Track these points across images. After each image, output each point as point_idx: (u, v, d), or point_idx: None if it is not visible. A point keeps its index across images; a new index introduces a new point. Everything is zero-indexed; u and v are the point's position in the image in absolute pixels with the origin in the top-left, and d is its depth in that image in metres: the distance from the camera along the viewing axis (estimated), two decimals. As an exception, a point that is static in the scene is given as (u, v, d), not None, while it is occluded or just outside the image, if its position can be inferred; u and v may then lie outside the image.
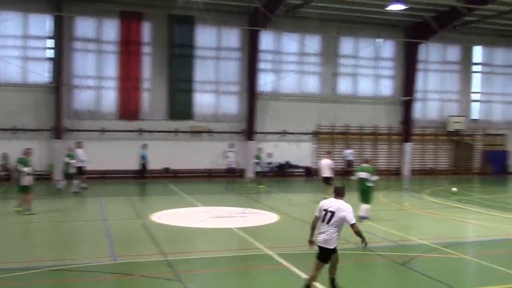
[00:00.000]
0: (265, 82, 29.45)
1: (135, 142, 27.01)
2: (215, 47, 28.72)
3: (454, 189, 20.43)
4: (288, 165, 29.73)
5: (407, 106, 31.76)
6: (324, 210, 8.13)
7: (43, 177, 25.17)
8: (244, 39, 28.80)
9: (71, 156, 20.96)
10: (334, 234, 8.07)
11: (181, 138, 27.98)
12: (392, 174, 31.23)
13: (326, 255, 8.12)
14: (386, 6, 25.46)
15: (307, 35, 30.13)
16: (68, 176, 20.84)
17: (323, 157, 20.90)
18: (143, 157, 26.62)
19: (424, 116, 32.89)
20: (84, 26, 26.74)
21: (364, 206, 14.88)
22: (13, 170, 24.82)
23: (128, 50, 27.31)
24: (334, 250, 8.16)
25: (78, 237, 13.12)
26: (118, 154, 26.70)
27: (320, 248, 8.11)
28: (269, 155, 28.85)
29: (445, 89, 33.27)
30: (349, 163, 28.92)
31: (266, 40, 29.21)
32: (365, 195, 14.90)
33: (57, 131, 25.95)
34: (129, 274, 9.64)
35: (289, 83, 30.04)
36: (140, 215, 15.95)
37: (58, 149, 25.45)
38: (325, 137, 30.61)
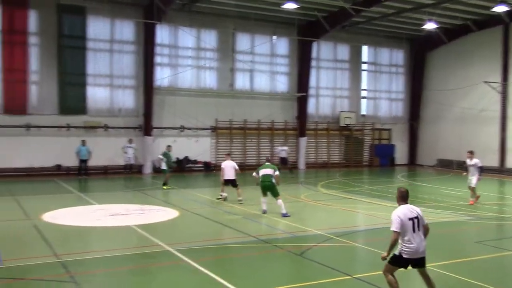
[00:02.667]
0: (162, 76, 28.99)
1: (22, 138, 25.37)
2: (109, 40, 27.72)
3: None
4: (186, 160, 29.54)
5: (302, 102, 32.85)
6: (410, 219, 7.52)
7: None
8: (140, 32, 28.08)
9: None
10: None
11: (74, 133, 26.69)
12: (288, 168, 32.13)
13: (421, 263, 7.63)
14: (281, 4, 26.13)
15: (203, 30, 30.06)
16: None
17: (224, 159, 19.51)
18: (80, 153, 25.36)
19: (318, 112, 34.24)
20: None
21: (279, 202, 15.23)
22: None
23: (12, 39, 25.52)
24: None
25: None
26: (5, 151, 24.95)
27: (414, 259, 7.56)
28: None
29: (336, 86, 34.87)
30: (283, 161, 28.94)
31: (162, 34, 28.73)
32: (274, 190, 15.37)
33: None
34: (19, 278, 9.03)
35: (187, 78, 29.82)
36: (29, 215, 15.01)
37: None
38: (223, 132, 30.80)
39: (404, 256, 7.49)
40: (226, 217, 15.24)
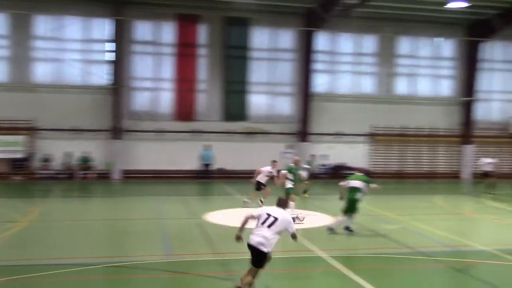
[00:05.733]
0: (320, 83, 29.22)
1: (191, 143, 27.42)
2: (269, 49, 28.77)
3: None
4: (343, 167, 29.33)
5: (468, 107, 30.64)
6: (267, 214, 8.25)
7: (103, 176, 26.11)
8: (299, 40, 28.68)
9: None
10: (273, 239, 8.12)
11: (235, 139, 28.19)
12: (450, 177, 30.22)
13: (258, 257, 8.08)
14: (446, 3, 24.69)
15: (363, 35, 29.66)
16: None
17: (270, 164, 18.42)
18: (206, 158, 26.91)
19: (486, 118, 31.63)
20: (142, 29, 27.48)
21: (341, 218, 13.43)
22: (75, 169, 26.00)
23: (184, 52, 27.80)
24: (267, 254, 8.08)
25: (134, 235, 13.42)
26: (174, 155, 27.23)
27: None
28: (325, 156, 28.63)
29: (508, 90, 31.86)
30: (486, 174, 24.44)
31: (321, 40, 28.97)
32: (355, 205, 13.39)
33: (116, 132, 26.75)
34: (182, 272, 9.77)
35: (344, 84, 29.67)
36: (194, 215, 16.16)
37: (117, 148, 26.40)
38: (380, 139, 30.02)
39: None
40: (382, 226, 14.80)
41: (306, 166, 22.72)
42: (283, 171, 16.23)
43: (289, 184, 15.77)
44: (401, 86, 30.51)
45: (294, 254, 11.46)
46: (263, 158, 28.08)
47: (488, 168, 23.85)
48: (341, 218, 13.40)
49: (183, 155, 27.28)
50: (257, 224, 8.22)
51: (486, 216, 16.95)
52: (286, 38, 28.94)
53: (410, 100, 30.39)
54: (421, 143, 30.60)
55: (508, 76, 31.95)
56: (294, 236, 8.28)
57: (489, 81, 31.60)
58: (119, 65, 26.75)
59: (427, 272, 10.28)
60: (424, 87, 30.73)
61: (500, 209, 18.73)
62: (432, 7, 26.83)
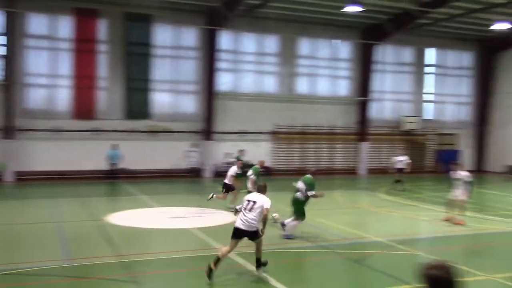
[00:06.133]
0: (224, 81, 29.42)
1: (92, 142, 26.45)
2: (172, 46, 28.45)
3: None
4: (247, 164, 29.69)
5: (363, 106, 32.35)
6: (248, 200, 9.75)
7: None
8: (202, 38, 28.66)
9: None
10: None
11: (139, 138, 27.59)
12: (348, 173, 31.75)
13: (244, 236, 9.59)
14: (343, 7, 25.89)
15: (265, 35, 30.28)
16: None
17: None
18: (113, 157, 26.04)
19: (379, 116, 33.60)
20: (37, 22, 25.98)
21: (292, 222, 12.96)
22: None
23: (83, 48, 26.68)
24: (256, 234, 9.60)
25: (29, 240, 12.74)
26: (73, 154, 26.12)
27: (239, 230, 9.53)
28: (228, 154, 28.88)
29: (399, 90, 34.09)
30: (399, 170, 24.43)
31: (225, 39, 29.15)
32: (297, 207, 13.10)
33: (8, 131, 25.14)
34: (84, 277, 9.44)
35: (248, 83, 30.11)
36: (95, 217, 15.64)
37: (10, 148, 24.80)
38: (283, 137, 30.83)
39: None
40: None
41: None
42: (252, 177, 16.25)
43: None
44: (302, 86, 31.52)
45: (199, 252, 11.48)
46: (166, 157, 27.91)
47: (400, 166, 24.40)
48: (290, 221, 12.73)
49: (84, 155, 26.23)
50: (242, 211, 9.66)
51: (380, 209, 18.01)
52: (190, 36, 28.79)
53: (310, 99, 31.50)
54: (321, 141, 31.84)
55: (399, 78, 34.16)
56: (266, 215, 9.64)
57: (382, 82, 33.59)
58: (12, 60, 25.11)
59: (328, 264, 10.75)
60: (323, 87, 31.98)
61: (393, 202, 19.98)
62: (330, 10, 27.98)
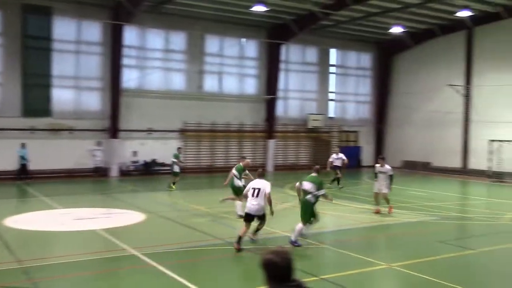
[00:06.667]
0: (130, 78, 28.67)
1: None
2: (75, 41, 27.23)
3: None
4: (154, 163, 29.27)
5: (270, 104, 32.97)
6: (253, 188, 11.45)
7: None
8: (107, 34, 27.68)
9: None
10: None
11: (40, 136, 26.09)
12: (257, 170, 32.18)
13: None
14: (250, 7, 26.20)
15: (172, 32, 29.88)
16: None
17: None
18: (22, 157, 24.47)
19: (286, 114, 34.43)
20: None
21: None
22: None
23: (-25, 40, 24.86)
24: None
25: None
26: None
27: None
28: (135, 153, 28.27)
29: (305, 89, 35.15)
30: (335, 168, 24.30)
31: (130, 35, 28.40)
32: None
33: None
34: (-22, 285, 8.81)
35: (155, 80, 29.57)
36: (-9, 221, 14.62)
37: None
38: (191, 135, 30.65)
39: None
40: (193, 220, 15.16)
41: (173, 159, 22.75)
42: (235, 172, 15.41)
43: (239, 183, 15.18)
44: (210, 84, 31.50)
45: (105, 254, 11.13)
46: (70, 157, 26.68)
47: (337, 163, 24.42)
48: (299, 226, 11.76)
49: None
50: (250, 197, 11.37)
51: (288, 205, 18.45)
52: (93, 30, 27.69)
53: (219, 97, 31.57)
54: (230, 138, 32.04)
55: (305, 76, 35.21)
56: (269, 199, 11.28)
57: (289, 81, 34.45)
58: None
59: (237, 260, 10.84)
60: (231, 85, 32.18)
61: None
62: (237, 9, 28.21)
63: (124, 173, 28.00)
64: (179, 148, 24.28)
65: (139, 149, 28.69)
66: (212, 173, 29.77)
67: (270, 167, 32.94)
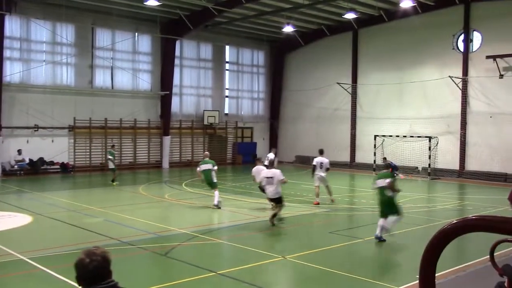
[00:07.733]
0: (12, 72, 26.81)
1: None
2: None
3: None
4: (41, 161, 27.66)
5: (165, 101, 32.49)
6: (266, 177, 14.17)
7: None
8: (-14, 23, 25.65)
9: None
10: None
11: None
12: (152, 167, 31.69)
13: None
14: (144, 0, 25.58)
15: (60, 24, 28.36)
16: None
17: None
18: None
19: (182, 111, 34.16)
20: None
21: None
22: None
23: None
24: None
25: None
26: None
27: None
28: (19, 151, 26.54)
29: (200, 85, 35.11)
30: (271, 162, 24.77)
31: (12, 26, 26.56)
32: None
33: None
34: None
35: (41, 74, 27.90)
36: None
37: None
38: (83, 131, 29.35)
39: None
40: (85, 220, 14.57)
41: (109, 157, 23.01)
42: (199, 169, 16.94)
43: (214, 178, 16.82)
44: (102, 79, 30.36)
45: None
46: None
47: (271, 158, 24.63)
48: (381, 222, 12.00)
49: None
50: (267, 185, 14.09)
51: (184, 202, 18.36)
52: (-30, 19, 25.54)
53: (111, 92, 30.55)
54: (124, 135, 31.14)
55: (200, 73, 35.14)
56: (284, 182, 14.21)
57: (184, 77, 34.18)
58: None
59: (134, 261, 10.58)
60: (124, 80, 31.25)
61: (197, 194, 20.52)
62: (129, 2, 27.42)
63: (8, 173, 26.18)
64: (112, 146, 25.62)
65: (24, 147, 26.96)
66: (104, 171, 28.77)
67: (165, 164, 32.50)
